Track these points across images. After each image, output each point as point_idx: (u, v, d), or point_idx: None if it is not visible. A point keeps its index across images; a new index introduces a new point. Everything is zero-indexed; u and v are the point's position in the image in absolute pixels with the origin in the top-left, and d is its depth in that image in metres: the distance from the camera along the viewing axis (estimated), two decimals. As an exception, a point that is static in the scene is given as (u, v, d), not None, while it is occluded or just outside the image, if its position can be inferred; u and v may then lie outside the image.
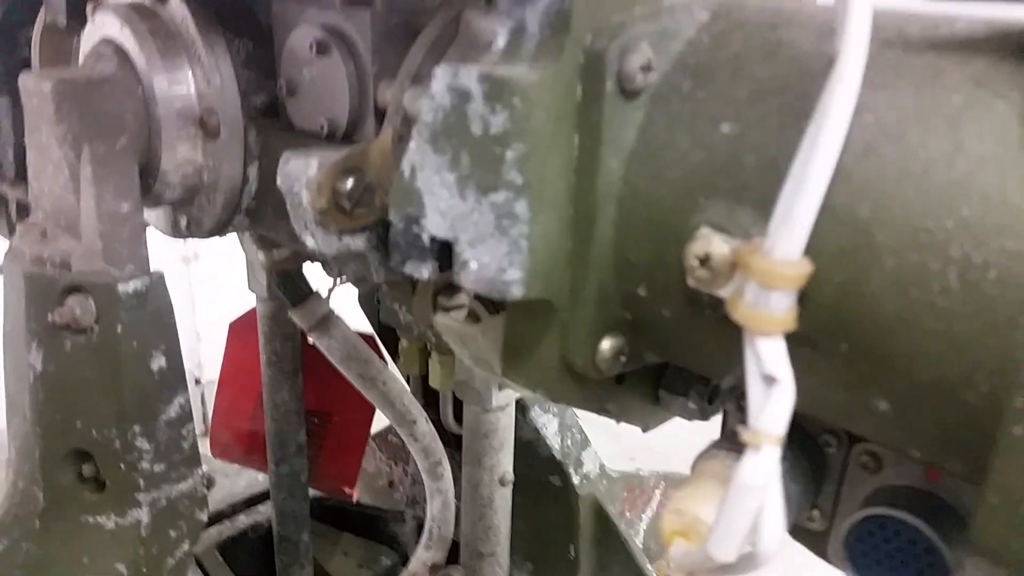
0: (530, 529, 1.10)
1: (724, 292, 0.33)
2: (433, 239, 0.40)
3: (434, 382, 0.89)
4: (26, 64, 0.93)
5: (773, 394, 0.32)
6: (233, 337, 1.12)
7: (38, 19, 0.86)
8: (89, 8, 0.72)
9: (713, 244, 0.33)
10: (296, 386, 1.06)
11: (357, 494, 1.31)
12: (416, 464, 1.24)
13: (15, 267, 0.61)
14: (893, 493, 0.43)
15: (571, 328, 0.41)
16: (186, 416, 0.63)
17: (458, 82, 0.36)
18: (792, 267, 0.31)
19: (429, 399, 1.05)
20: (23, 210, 1.04)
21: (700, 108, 0.36)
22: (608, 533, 1.11)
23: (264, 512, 1.35)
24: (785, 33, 0.37)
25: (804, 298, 0.33)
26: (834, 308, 0.33)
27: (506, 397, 0.77)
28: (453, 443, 1.00)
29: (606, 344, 0.41)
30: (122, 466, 0.61)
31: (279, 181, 0.50)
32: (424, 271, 0.41)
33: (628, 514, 1.14)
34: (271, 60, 0.58)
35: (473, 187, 0.37)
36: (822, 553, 0.47)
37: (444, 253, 0.41)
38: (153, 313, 0.59)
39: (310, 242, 0.51)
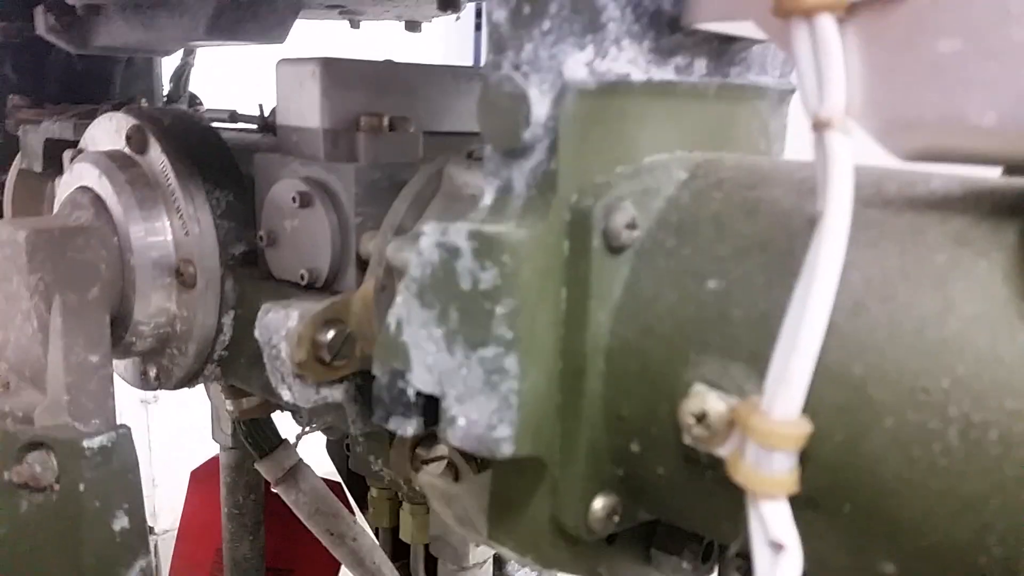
0: None
1: (723, 451, 0.33)
2: (419, 394, 0.39)
3: (405, 535, 0.85)
4: (-1, 209, 0.93)
5: (780, 563, 0.30)
6: (194, 486, 1.07)
7: (13, 165, 0.87)
8: (67, 155, 0.73)
9: (709, 402, 0.33)
10: (258, 541, 1.01)
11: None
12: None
13: (-29, 422, 0.59)
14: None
15: (562, 486, 0.39)
16: (147, 577, 0.59)
17: (447, 239, 0.36)
18: (792, 427, 0.31)
19: (398, 552, 1.00)
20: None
21: (685, 264, 0.37)
22: None
23: None
24: (764, 192, 0.38)
25: (804, 458, 0.32)
26: (835, 468, 0.32)
27: (483, 554, 0.74)
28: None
29: (599, 503, 0.40)
30: (75, 639, 0.57)
31: (257, 333, 0.49)
32: (409, 428, 0.40)
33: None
34: (250, 210, 0.59)
35: (462, 342, 0.37)
36: None
37: (429, 408, 0.40)
38: (118, 470, 0.57)
39: (286, 395, 0.50)
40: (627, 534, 0.47)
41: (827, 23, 0.31)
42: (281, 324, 0.48)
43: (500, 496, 0.41)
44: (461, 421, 0.37)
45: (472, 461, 0.54)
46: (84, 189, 0.61)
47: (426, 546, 0.89)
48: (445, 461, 0.58)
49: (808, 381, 0.31)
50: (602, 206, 0.36)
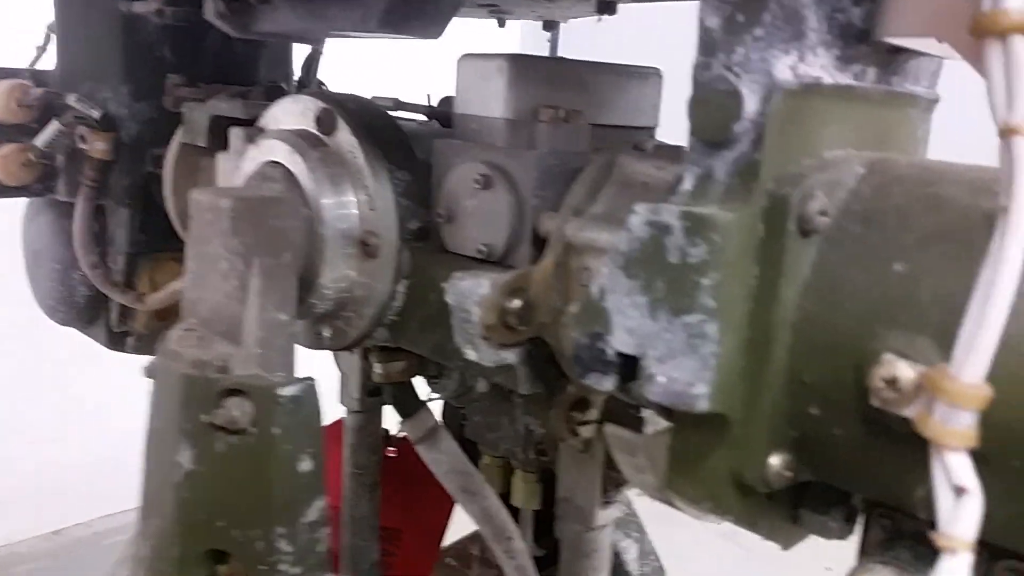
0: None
1: (909, 412, 0.38)
2: (618, 354, 0.44)
3: (517, 500, 0.91)
4: (149, 179, 1.01)
5: (964, 503, 0.35)
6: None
7: (174, 139, 0.94)
8: (235, 132, 0.80)
9: (899, 368, 0.38)
10: (375, 500, 1.08)
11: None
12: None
13: (169, 369, 0.66)
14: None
15: (743, 442, 0.44)
16: (323, 520, 0.65)
17: (659, 218, 0.42)
18: (978, 389, 0.35)
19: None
20: (126, 315, 1.10)
21: (872, 249, 0.42)
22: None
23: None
24: (941, 189, 0.42)
25: (980, 418, 0.37)
26: (1007, 427, 0.37)
27: (607, 516, 0.79)
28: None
29: (775, 459, 0.45)
30: (261, 567, 0.63)
31: (449, 298, 0.55)
32: (607, 383, 0.45)
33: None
34: (425, 190, 0.65)
35: (666, 309, 0.42)
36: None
37: (625, 368, 0.45)
38: (306, 418, 0.63)
39: (471, 355, 0.56)
40: (780, 493, 0.52)
41: (1020, 42, 0.36)
42: (474, 290, 0.54)
43: (682, 449, 0.47)
44: (661, 378, 0.43)
45: (627, 423, 0.59)
46: (273, 164, 0.67)
47: (535, 513, 0.95)
48: (594, 424, 0.63)
49: (992, 351, 0.36)
50: (798, 193, 0.41)
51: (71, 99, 0.96)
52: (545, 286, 0.55)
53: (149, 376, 0.70)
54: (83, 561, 2.28)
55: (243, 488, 0.63)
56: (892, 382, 0.38)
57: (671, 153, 0.57)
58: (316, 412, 0.64)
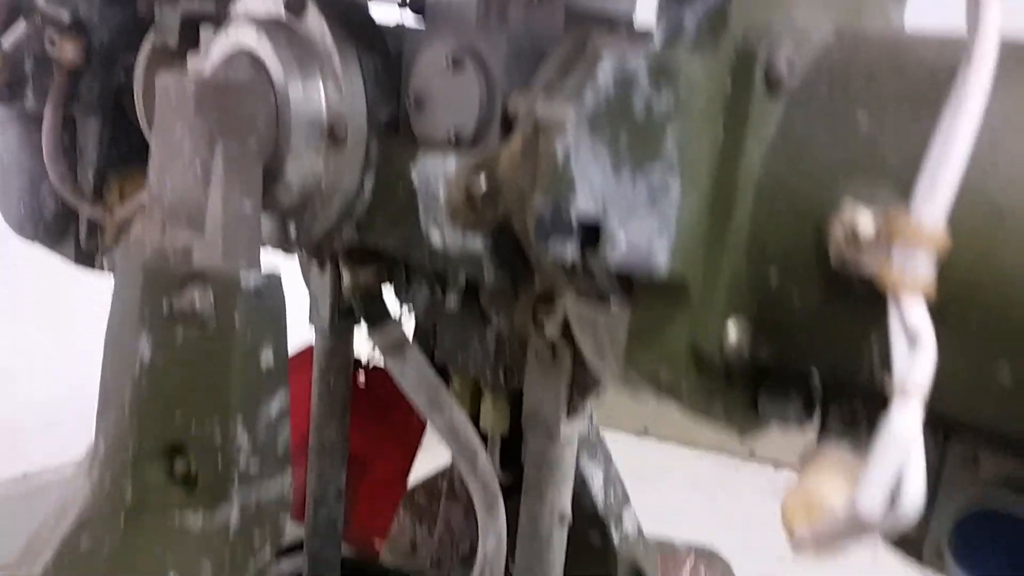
0: (565, 588, 1.09)
1: (867, 265, 0.37)
2: (579, 219, 0.44)
3: (486, 423, 0.91)
4: (120, 90, 0.99)
5: (918, 350, 0.35)
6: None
7: (144, 43, 0.92)
8: (207, 29, 0.78)
9: (859, 215, 0.37)
10: (344, 426, 1.07)
11: (382, 551, 1.30)
12: (442, 524, 1.24)
13: (131, 258, 0.65)
14: (993, 488, 0.45)
15: (701, 311, 0.44)
16: (284, 414, 0.65)
17: (625, 65, 0.41)
18: (936, 231, 0.35)
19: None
20: (95, 230, 1.08)
21: (838, 109, 0.41)
22: (646, 600, 1.10)
23: (294, 565, 1.32)
24: (910, 53, 0.41)
25: (939, 273, 0.36)
26: (966, 282, 0.36)
27: (573, 429, 0.79)
28: (498, 490, 1.00)
29: (733, 329, 0.44)
30: (219, 460, 0.62)
31: (414, 177, 0.54)
32: (568, 249, 0.44)
33: (661, 582, 1.14)
34: (395, 81, 0.63)
35: (629, 164, 0.41)
36: (917, 555, 0.49)
37: (587, 236, 0.44)
38: (269, 309, 0.62)
39: (436, 237, 0.55)
40: (739, 379, 0.51)
41: None
42: (440, 170, 0.53)
43: (641, 320, 0.46)
44: (621, 241, 0.42)
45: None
46: (241, 50, 0.66)
47: (504, 440, 0.95)
48: (563, 319, 0.63)
49: (952, 193, 0.35)
50: (767, 43, 0.40)
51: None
52: (512, 167, 0.54)
53: (112, 267, 0.68)
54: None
55: (202, 379, 0.62)
56: (852, 234, 0.37)
57: (644, 38, 0.56)
58: (281, 305, 0.63)
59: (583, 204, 0.43)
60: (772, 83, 0.41)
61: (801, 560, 0.42)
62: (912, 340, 0.35)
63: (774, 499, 0.47)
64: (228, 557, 0.64)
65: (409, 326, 0.92)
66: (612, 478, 1.06)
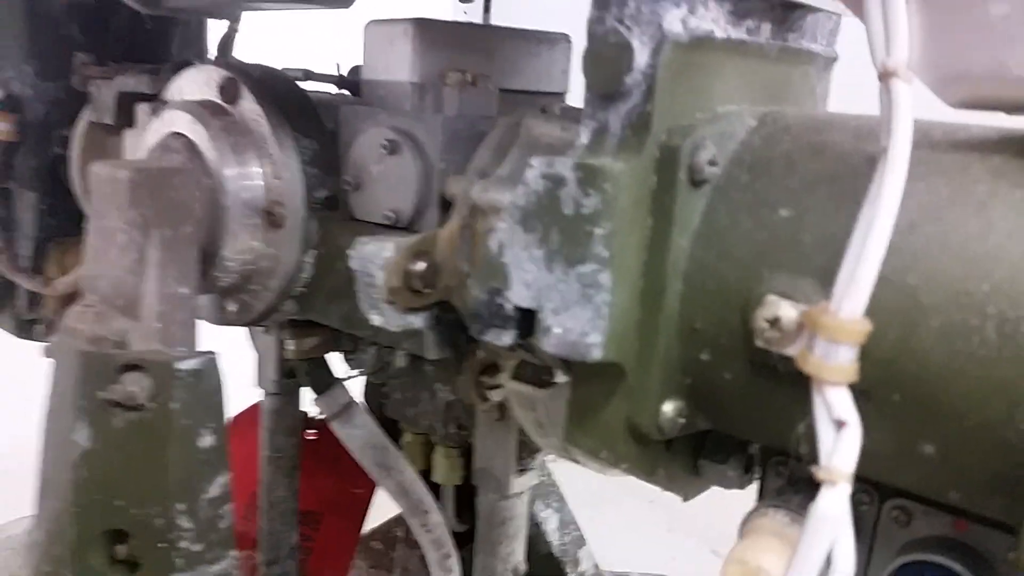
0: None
1: (792, 350, 0.38)
2: (516, 309, 0.45)
3: (438, 476, 0.91)
4: (56, 161, 0.97)
5: (843, 436, 0.36)
6: (233, 433, 1.12)
7: (79, 119, 0.91)
8: (141, 108, 0.78)
9: (782, 308, 0.39)
10: (293, 484, 1.06)
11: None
12: (399, 572, 1.23)
13: (67, 346, 0.64)
14: (925, 543, 0.47)
15: (638, 391, 0.45)
16: (226, 496, 0.64)
17: (553, 170, 0.42)
18: (857, 324, 0.36)
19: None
20: (34, 301, 1.06)
21: (759, 196, 0.42)
22: (603, 639, 1.10)
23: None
24: (827, 136, 0.43)
25: (861, 355, 0.38)
26: (888, 363, 0.38)
27: (522, 484, 0.80)
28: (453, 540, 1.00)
29: (669, 406, 0.45)
30: (161, 545, 0.62)
31: (353, 262, 0.55)
32: (506, 338, 0.45)
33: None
34: (333, 158, 0.64)
35: (561, 260, 0.42)
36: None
37: (523, 323, 0.45)
38: (207, 392, 0.62)
39: (376, 319, 0.56)
40: (680, 444, 0.52)
41: (894, -11, 0.37)
42: (378, 254, 0.53)
43: (579, 401, 0.47)
44: (557, 330, 0.43)
45: (537, 380, 0.59)
46: (176, 135, 0.66)
47: (456, 487, 0.95)
48: (505, 390, 0.63)
49: (871, 286, 0.37)
50: (689, 144, 0.42)
51: (-29, 79, 0.93)
52: (451, 248, 0.55)
53: (48, 356, 0.67)
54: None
55: (141, 465, 0.61)
56: (775, 322, 0.39)
57: (577, 115, 0.57)
58: (217, 386, 0.62)
59: (517, 296, 0.44)
60: (695, 178, 0.42)
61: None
62: (836, 426, 0.37)
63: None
64: (171, 641, 0.63)
65: (355, 386, 0.92)
66: (566, 521, 1.07)
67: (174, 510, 0.61)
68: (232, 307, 0.68)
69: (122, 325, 0.64)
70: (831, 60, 0.55)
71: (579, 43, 0.67)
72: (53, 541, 0.64)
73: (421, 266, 0.54)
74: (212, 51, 1.13)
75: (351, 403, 0.85)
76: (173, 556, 0.62)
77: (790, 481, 0.50)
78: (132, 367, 0.61)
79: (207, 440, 0.63)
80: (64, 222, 1.00)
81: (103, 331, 0.63)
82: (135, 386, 0.61)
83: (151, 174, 0.62)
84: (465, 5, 0.95)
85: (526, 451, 0.76)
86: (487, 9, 0.84)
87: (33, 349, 1.08)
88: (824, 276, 0.39)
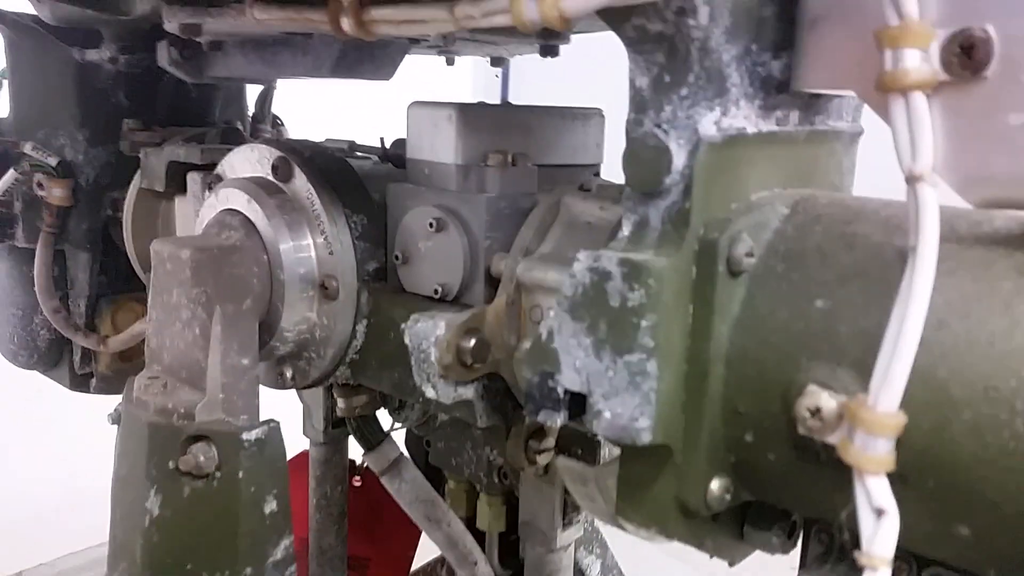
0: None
1: (832, 439, 0.41)
2: (567, 392, 0.47)
3: (482, 524, 0.93)
4: (108, 222, 1.02)
5: (883, 523, 0.39)
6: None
7: (132, 184, 0.96)
8: (192, 177, 0.82)
9: (822, 399, 0.41)
10: (342, 531, 1.10)
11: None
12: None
13: (136, 417, 0.67)
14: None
15: (685, 470, 0.47)
16: (290, 558, 0.67)
17: (600, 264, 0.45)
18: (893, 418, 0.39)
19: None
20: (88, 357, 1.10)
21: (794, 286, 0.45)
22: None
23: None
24: (858, 227, 0.46)
25: (898, 443, 0.40)
26: (923, 451, 0.40)
27: (567, 537, 0.82)
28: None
29: (715, 484, 0.48)
30: (232, 607, 0.65)
31: (407, 339, 0.58)
32: (557, 419, 0.48)
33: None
34: (381, 232, 0.67)
35: (609, 349, 0.45)
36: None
37: (573, 404, 0.48)
38: (270, 459, 0.65)
39: (430, 392, 0.58)
40: (726, 513, 0.55)
41: (920, 99, 0.39)
42: (431, 332, 0.56)
43: (629, 478, 0.49)
44: (607, 414, 0.46)
45: (576, 450, 0.62)
46: (232, 212, 0.69)
47: (500, 534, 0.97)
48: (552, 452, 0.66)
49: (905, 382, 0.39)
50: (727, 238, 0.45)
51: (27, 147, 0.97)
52: (498, 324, 0.58)
53: (114, 423, 0.71)
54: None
55: (210, 531, 0.65)
56: (816, 412, 0.41)
57: (614, 193, 0.60)
58: (280, 453, 0.66)
59: (568, 380, 0.47)
60: (733, 270, 0.45)
61: None
62: (877, 514, 0.39)
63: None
64: None
65: (398, 436, 0.95)
66: (609, 566, 1.09)
67: (243, 574, 0.65)
68: (288, 372, 0.71)
69: (187, 397, 0.67)
70: (857, 134, 0.57)
71: (609, 114, 0.71)
72: (128, 602, 0.68)
73: (471, 342, 0.57)
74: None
75: (400, 458, 0.88)
76: (242, 617, 0.65)
77: (831, 549, 0.53)
78: (199, 438, 0.65)
79: (272, 505, 0.66)
80: (116, 280, 1.05)
81: (170, 403, 0.67)
82: (202, 456, 0.64)
83: (212, 252, 0.66)
84: (495, 69, 0.98)
85: (571, 505, 0.78)
86: (504, 83, 0.87)
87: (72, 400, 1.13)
88: (861, 367, 0.41)
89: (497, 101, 0.72)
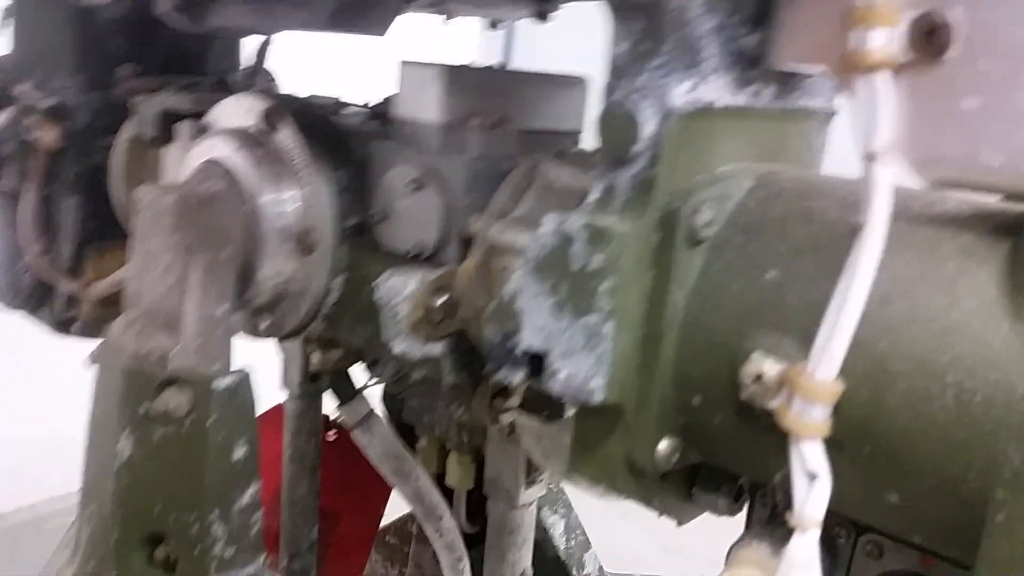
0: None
1: (773, 404, 0.42)
2: (526, 352, 0.49)
3: (451, 480, 0.95)
4: (97, 169, 1.03)
5: (815, 487, 0.40)
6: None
7: (122, 130, 0.96)
8: (182, 127, 0.82)
9: (765, 366, 0.43)
10: (314, 483, 1.12)
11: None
12: (412, 567, 1.29)
13: (111, 360, 0.69)
14: (895, 575, 0.51)
15: (635, 429, 0.49)
16: (256, 504, 0.69)
17: (564, 228, 0.46)
18: (830, 386, 0.40)
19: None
20: (72, 302, 1.12)
21: (750, 257, 0.46)
22: (608, 639, 1.15)
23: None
24: (816, 202, 0.47)
25: (835, 411, 0.42)
26: (860, 419, 0.42)
27: (531, 495, 0.84)
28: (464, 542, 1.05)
29: (664, 444, 0.49)
30: (196, 549, 0.67)
31: (378, 294, 0.59)
32: (515, 378, 0.50)
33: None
34: (362, 188, 0.68)
35: (569, 310, 0.47)
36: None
37: (533, 363, 0.50)
38: (240, 407, 0.66)
39: (398, 348, 0.60)
40: (674, 475, 0.56)
41: (883, 79, 0.41)
42: (401, 288, 0.58)
43: (582, 436, 0.51)
44: (563, 374, 0.47)
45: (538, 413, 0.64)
46: (215, 162, 0.70)
47: (469, 492, 0.99)
48: (516, 412, 0.68)
49: (844, 353, 0.40)
50: (689, 208, 0.46)
51: (23, 87, 0.98)
52: (468, 284, 0.59)
53: (93, 363, 0.72)
54: (25, 545, 2.27)
55: (179, 475, 0.66)
56: (758, 378, 0.43)
57: (589, 160, 0.61)
58: (250, 402, 0.67)
59: (528, 339, 0.48)
60: (693, 239, 0.46)
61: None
62: (809, 477, 0.41)
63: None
64: (205, 638, 0.68)
65: (375, 393, 0.97)
66: (572, 526, 1.12)
67: (209, 517, 0.66)
68: (264, 324, 0.72)
69: (163, 342, 0.69)
70: (830, 115, 0.59)
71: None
72: (97, 541, 0.69)
73: (441, 300, 0.58)
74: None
75: (371, 413, 0.90)
76: (207, 560, 0.67)
77: (774, 512, 0.55)
78: (172, 383, 0.66)
79: (240, 452, 0.68)
80: (102, 228, 1.05)
81: (145, 347, 0.68)
82: (174, 401, 0.66)
83: (194, 200, 0.67)
84: (493, 31, 0.99)
85: (534, 465, 0.80)
86: (508, 46, 0.87)
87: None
88: (805, 337, 0.42)
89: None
